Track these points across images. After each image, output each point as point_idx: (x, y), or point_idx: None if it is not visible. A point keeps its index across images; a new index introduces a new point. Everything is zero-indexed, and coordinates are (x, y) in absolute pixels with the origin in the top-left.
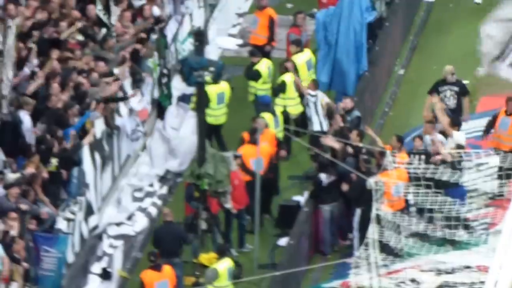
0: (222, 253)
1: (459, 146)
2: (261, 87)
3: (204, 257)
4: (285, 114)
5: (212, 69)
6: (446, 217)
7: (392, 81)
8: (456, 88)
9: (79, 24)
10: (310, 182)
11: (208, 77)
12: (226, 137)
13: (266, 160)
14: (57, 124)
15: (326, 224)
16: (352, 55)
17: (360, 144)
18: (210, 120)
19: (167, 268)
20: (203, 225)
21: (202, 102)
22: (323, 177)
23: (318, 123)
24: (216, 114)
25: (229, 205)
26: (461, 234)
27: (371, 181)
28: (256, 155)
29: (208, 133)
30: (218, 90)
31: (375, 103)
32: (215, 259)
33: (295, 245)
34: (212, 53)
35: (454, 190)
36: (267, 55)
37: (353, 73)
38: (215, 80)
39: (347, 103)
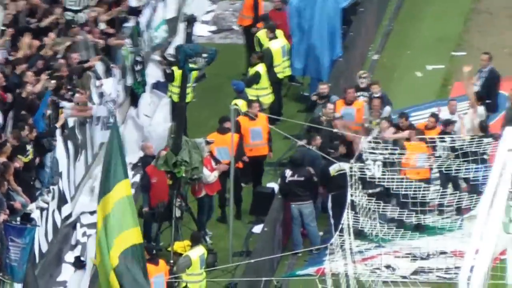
0: (196, 240)
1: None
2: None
3: (179, 245)
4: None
5: (205, 55)
6: (421, 203)
7: (366, 67)
8: (367, 94)
9: (59, 15)
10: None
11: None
12: (199, 125)
13: (234, 150)
14: (28, 111)
15: (296, 221)
16: (326, 41)
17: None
18: (174, 98)
19: (162, 263)
20: (178, 213)
21: (184, 90)
22: (288, 173)
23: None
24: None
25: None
26: (435, 220)
27: (335, 166)
28: (222, 144)
29: (174, 111)
30: None
31: None
32: (189, 247)
33: (269, 232)
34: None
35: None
36: (253, 36)
37: (328, 59)
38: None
39: (323, 88)
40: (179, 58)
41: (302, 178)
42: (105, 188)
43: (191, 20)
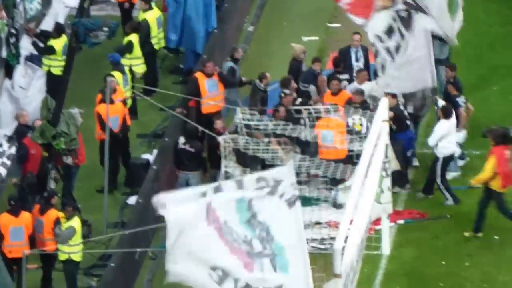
0: (75, 211)
1: None
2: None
3: None
4: (131, 73)
5: (106, 29)
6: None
7: (242, 39)
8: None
9: None
10: (160, 141)
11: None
12: (77, 97)
13: (121, 118)
14: None
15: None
16: (201, 13)
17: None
18: (55, 71)
19: (25, 215)
20: (52, 184)
21: (70, 63)
22: (181, 140)
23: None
24: (61, 65)
25: (69, 160)
26: (310, 190)
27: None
28: (112, 113)
29: (54, 84)
30: (62, 42)
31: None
32: (64, 218)
33: (144, 204)
34: (60, 12)
35: (402, 134)
36: (127, 13)
37: (202, 31)
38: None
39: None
40: (78, 32)
41: (193, 150)
42: None
43: None
